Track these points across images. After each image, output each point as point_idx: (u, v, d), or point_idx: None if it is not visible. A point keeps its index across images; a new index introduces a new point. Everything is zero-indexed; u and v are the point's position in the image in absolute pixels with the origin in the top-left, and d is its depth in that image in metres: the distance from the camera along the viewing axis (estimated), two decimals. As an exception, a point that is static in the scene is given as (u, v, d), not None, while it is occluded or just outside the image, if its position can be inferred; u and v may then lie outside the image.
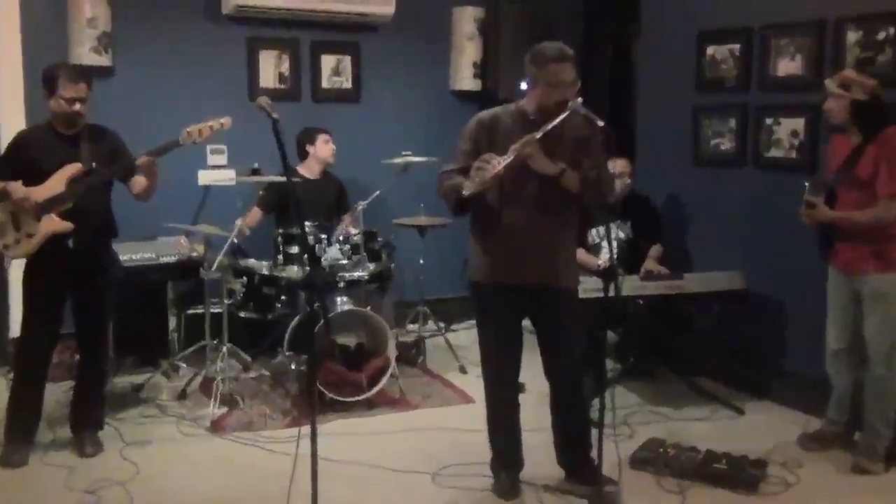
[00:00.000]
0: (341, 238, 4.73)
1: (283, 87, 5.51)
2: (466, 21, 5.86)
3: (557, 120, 3.08)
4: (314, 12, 5.37)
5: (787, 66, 4.51)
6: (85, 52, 4.92)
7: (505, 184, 3.17)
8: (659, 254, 4.85)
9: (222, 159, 5.40)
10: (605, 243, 4.75)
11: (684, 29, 5.06)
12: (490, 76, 5.86)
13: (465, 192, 3.06)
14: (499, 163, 3.04)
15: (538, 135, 3.08)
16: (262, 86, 5.43)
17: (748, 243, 4.77)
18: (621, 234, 4.85)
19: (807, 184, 3.64)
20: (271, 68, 5.48)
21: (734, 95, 4.82)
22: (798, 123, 4.49)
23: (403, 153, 4.96)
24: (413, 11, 5.77)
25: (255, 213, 5.01)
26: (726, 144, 4.88)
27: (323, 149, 5.15)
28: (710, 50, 4.92)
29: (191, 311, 4.99)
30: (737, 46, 4.78)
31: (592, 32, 6.18)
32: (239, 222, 4.44)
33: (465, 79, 5.88)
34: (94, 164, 3.60)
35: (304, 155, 5.17)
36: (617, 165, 4.70)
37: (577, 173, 3.17)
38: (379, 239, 4.80)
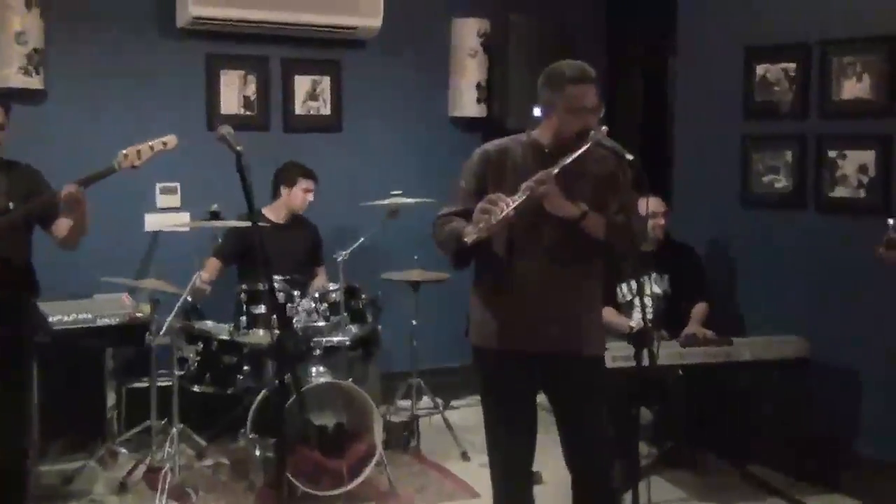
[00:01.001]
0: (317, 295, 4.73)
1: (248, 113, 5.58)
2: (469, 35, 5.95)
3: (578, 153, 3.11)
4: (286, 25, 5.45)
5: (853, 88, 4.58)
6: (12, 74, 4.95)
7: (515, 230, 3.19)
8: (703, 314, 4.86)
9: (174, 200, 5.43)
10: (637, 301, 4.76)
11: (729, 45, 5.15)
12: (497, 101, 5.94)
13: (468, 240, 3.07)
14: (508, 204, 3.05)
15: (555, 170, 3.10)
16: (224, 112, 5.50)
17: (811, 301, 4.78)
18: (657, 290, 4.86)
19: (890, 221, 3.65)
20: (235, 91, 5.55)
21: (790, 124, 4.88)
22: (867, 157, 4.54)
23: (393, 193, 5.00)
24: (405, 24, 5.87)
25: (213, 265, 5.01)
26: (781, 182, 4.93)
27: (298, 197, 5.16)
28: (759, 69, 5.00)
29: (134, 385, 4.97)
30: (792, 65, 4.86)
31: (619, 49, 6.29)
32: (195, 278, 4.45)
33: (468, 104, 5.96)
34: (10, 203, 3.60)
35: (276, 194, 5.22)
36: (649, 205, 4.73)
37: (602, 216, 3.19)
38: (363, 296, 4.81)
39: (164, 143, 3.68)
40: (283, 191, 5.17)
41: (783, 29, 4.91)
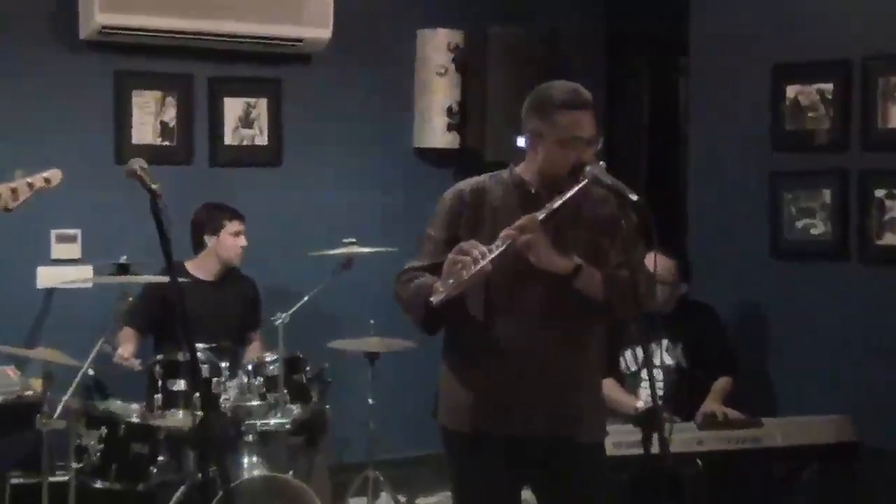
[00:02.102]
0: (251, 368, 4.71)
1: (166, 143, 5.59)
2: (438, 49, 6.00)
3: (570, 193, 3.15)
4: (214, 36, 5.47)
5: (903, 114, 4.69)
6: None
7: (494, 287, 3.21)
8: (726, 389, 4.88)
9: (73, 250, 5.41)
10: (644, 373, 4.78)
11: (753, 62, 5.24)
12: (472, 129, 5.98)
13: (435, 300, 3.09)
14: (484, 255, 3.08)
15: (542, 215, 3.14)
16: (137, 142, 5.50)
17: (857, 372, 4.81)
18: (669, 361, 4.88)
19: None
20: (150, 116, 5.56)
21: (828, 156, 4.96)
22: (921, 196, 4.65)
23: (345, 241, 5.01)
24: (360, 35, 5.91)
25: (129, 336, 4.99)
26: (818, 228, 4.99)
27: (228, 244, 5.17)
28: (790, 91, 5.08)
29: (20, 481, 4.90)
30: (829, 86, 4.94)
31: (621, 67, 6.36)
32: (113, 349, 4.43)
33: (436, 132, 5.99)
34: None
35: (199, 246, 5.23)
36: (659, 267, 4.75)
37: (600, 271, 3.22)
38: (307, 369, 4.79)
39: (46, 180, 3.65)
40: (208, 241, 5.17)
41: (819, 43, 4.99)
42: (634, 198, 3.07)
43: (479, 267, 3.05)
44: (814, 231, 5.01)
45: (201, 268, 5.19)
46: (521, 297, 3.22)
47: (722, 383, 4.89)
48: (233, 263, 5.21)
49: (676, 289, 4.91)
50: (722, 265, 5.32)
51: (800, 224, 5.05)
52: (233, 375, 4.64)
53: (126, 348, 4.83)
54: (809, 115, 5.01)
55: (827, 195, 4.95)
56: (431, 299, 3.07)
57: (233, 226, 5.16)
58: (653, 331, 4.67)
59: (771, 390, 5.15)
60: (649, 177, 6.16)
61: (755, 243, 5.21)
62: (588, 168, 3.15)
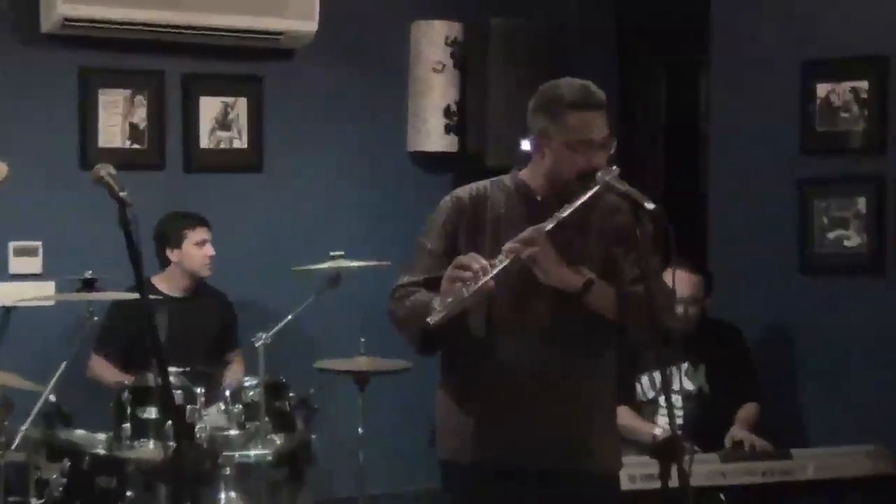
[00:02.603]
0: (228, 394, 4.71)
1: (136, 147, 5.60)
2: (434, 43, 6.01)
3: (581, 201, 3.16)
4: (188, 29, 5.47)
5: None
6: None
7: (498, 305, 3.22)
8: (753, 417, 4.88)
9: (34, 264, 5.41)
10: (662, 400, 4.78)
11: (781, 58, 5.25)
12: (472, 131, 6.00)
13: (433, 320, 3.09)
14: (486, 270, 3.09)
15: (549, 226, 3.15)
16: (104, 145, 5.51)
17: (895, 399, 4.83)
18: (690, 386, 4.89)
19: None
20: (118, 117, 5.57)
21: (862, 161, 4.98)
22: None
23: (333, 255, 5.02)
24: (348, 28, 5.93)
25: (102, 367, 5.03)
26: (852, 239, 5.00)
27: (193, 255, 5.17)
28: (821, 90, 5.09)
29: (-26, 518, 4.90)
30: (864, 84, 4.96)
31: (636, 63, 6.38)
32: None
33: (433, 134, 6.01)
34: None
35: (164, 261, 5.23)
36: (684, 281, 4.76)
37: (613, 287, 3.24)
38: (291, 395, 4.80)
39: None
40: (171, 255, 5.18)
41: (852, 37, 5.01)
42: (650, 206, 3.08)
43: (480, 283, 3.06)
44: (847, 243, 5.02)
45: (169, 284, 5.20)
46: (526, 316, 3.24)
47: (748, 410, 4.89)
48: (201, 275, 5.21)
49: (702, 308, 4.91)
50: (746, 281, 5.32)
51: (832, 235, 5.06)
52: (209, 402, 4.64)
53: (111, 377, 4.86)
54: (842, 115, 5.02)
55: (861, 203, 4.96)
56: (428, 319, 3.08)
57: (196, 234, 5.16)
58: (672, 353, 4.69)
59: (801, 418, 5.15)
60: (667, 183, 6.17)
61: (782, 257, 5.22)
62: (600, 174, 3.16)
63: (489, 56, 5.93)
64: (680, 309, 4.76)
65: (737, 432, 4.76)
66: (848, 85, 5.00)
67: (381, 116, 6.07)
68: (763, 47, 5.35)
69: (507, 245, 3.13)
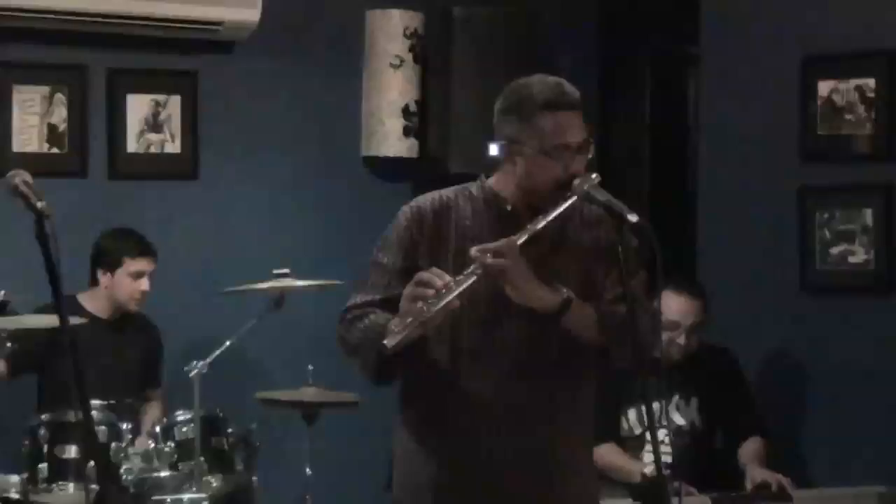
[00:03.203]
0: (158, 430, 4.69)
1: (55, 151, 5.58)
2: (391, 35, 6.00)
3: (556, 212, 3.16)
4: (115, 19, 5.45)
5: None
6: None
7: (464, 327, 3.22)
8: (762, 452, 4.87)
9: (-62, 284, 5.38)
10: (649, 436, 4.78)
11: (778, 53, 5.28)
12: (434, 133, 6.01)
13: (390, 343, 3.07)
14: (450, 287, 3.08)
15: (521, 238, 3.14)
16: (18, 149, 5.51)
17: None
18: (680, 420, 4.90)
19: None
20: (34, 118, 5.56)
21: (869, 168, 5.01)
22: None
23: (276, 273, 5.01)
24: (295, 18, 5.94)
25: None
26: (858, 255, 5.03)
27: (124, 286, 5.13)
28: (823, 88, 5.12)
29: None
30: (870, 81, 4.99)
31: (618, 58, 6.39)
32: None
33: (390, 137, 5.99)
34: None
35: (94, 280, 5.22)
36: (671, 307, 4.77)
37: (593, 307, 3.24)
38: (229, 431, 4.79)
39: None
40: (102, 278, 5.15)
41: (858, 31, 5.04)
42: (634, 218, 3.09)
43: (444, 302, 3.04)
44: (853, 259, 5.04)
45: (95, 303, 5.17)
46: (495, 340, 3.23)
47: (755, 446, 4.92)
48: (127, 309, 5.17)
49: (699, 335, 4.93)
50: (740, 301, 5.35)
51: (836, 251, 5.09)
52: (135, 438, 4.61)
53: None
54: (846, 117, 5.05)
55: (868, 215, 4.99)
56: (385, 342, 3.07)
57: (134, 264, 5.11)
58: (660, 384, 4.71)
59: (803, 455, 5.17)
60: (652, 192, 6.19)
61: (781, 274, 5.25)
62: (577, 182, 3.16)
63: (453, 49, 5.93)
64: (682, 339, 4.78)
65: (755, 472, 4.76)
66: (853, 83, 5.04)
67: (331, 117, 6.07)
68: (759, 40, 5.38)
69: (473, 249, 3.12)
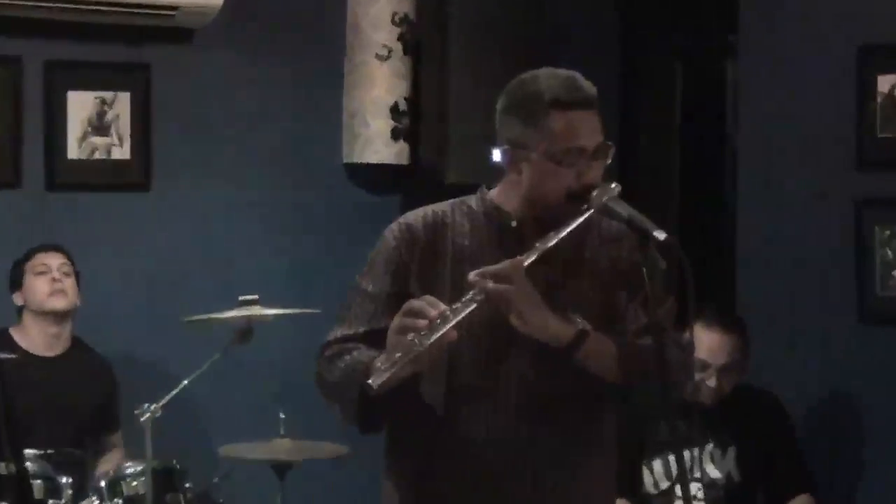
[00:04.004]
0: (104, 484, 4.69)
1: (-16, 157, 5.61)
2: (377, 23, 6.02)
3: (569, 228, 3.17)
4: (53, 3, 5.45)
5: None
6: None
7: (462, 363, 3.23)
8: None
9: None
10: (679, 490, 4.78)
11: (831, 43, 5.28)
12: (427, 136, 6.02)
13: (376, 383, 3.07)
14: (446, 317, 3.09)
15: (529, 259, 3.16)
16: (-60, 156, 5.52)
17: None
18: (715, 474, 4.89)
19: None
20: (-41, 119, 5.58)
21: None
22: None
23: (243, 300, 5.02)
24: (264, 2, 5.97)
25: None
26: (927, 280, 5.05)
27: (32, 288, 5.18)
28: (884, 83, 5.11)
29: None
30: (939, 77, 5.03)
31: (642, 50, 6.40)
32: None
33: (376, 142, 6.01)
34: None
35: (19, 309, 5.26)
36: (714, 342, 4.79)
37: (613, 340, 3.25)
38: (188, 486, 4.79)
39: None
40: (17, 299, 5.22)
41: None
42: (661, 235, 3.08)
43: (438, 334, 3.05)
44: (921, 285, 5.07)
45: (28, 338, 5.19)
46: (499, 379, 3.24)
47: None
48: (48, 308, 5.18)
49: (739, 376, 4.93)
50: (786, 335, 5.35)
51: (899, 274, 5.11)
52: (79, 496, 4.62)
53: None
54: (912, 117, 5.08)
55: (937, 233, 5.03)
56: (370, 382, 3.07)
57: (33, 264, 5.18)
58: (691, 431, 4.73)
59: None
60: (683, 205, 6.19)
61: (835, 301, 5.25)
62: (595, 193, 3.18)
63: (449, 39, 5.93)
64: (712, 382, 4.78)
65: None
66: (919, 77, 5.08)
67: (307, 118, 6.09)
68: (808, 28, 5.37)
69: (472, 274, 3.12)
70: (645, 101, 6.42)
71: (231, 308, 5.00)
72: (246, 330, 4.96)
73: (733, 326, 4.90)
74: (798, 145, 5.39)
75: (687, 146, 6.37)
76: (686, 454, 4.59)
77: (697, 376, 4.70)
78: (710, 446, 4.91)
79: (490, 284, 3.10)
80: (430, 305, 3.11)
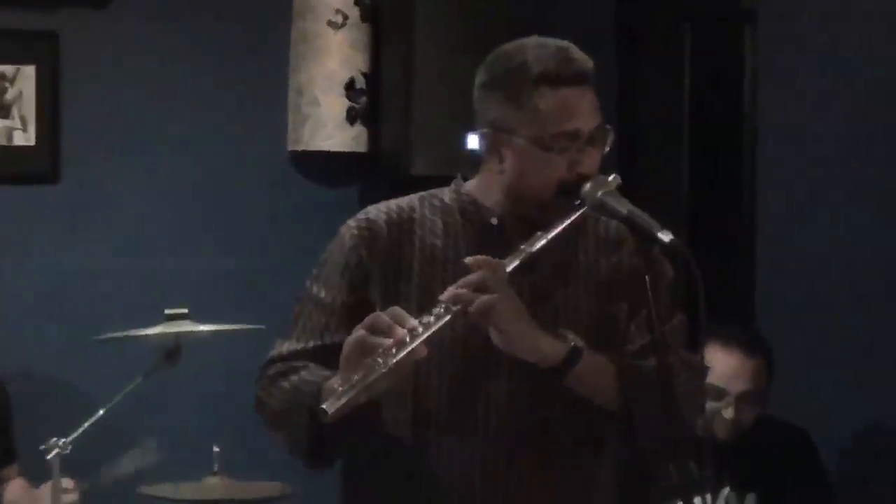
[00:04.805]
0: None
1: None
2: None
3: (559, 228, 3.19)
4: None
5: None
6: None
7: (434, 387, 3.26)
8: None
9: None
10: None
11: (876, 10, 5.30)
12: (390, 119, 6.04)
13: (331, 408, 3.05)
14: (415, 332, 3.08)
15: (512, 263, 3.17)
16: None
17: None
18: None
19: None
20: None
21: None
22: None
23: (170, 314, 5.02)
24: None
25: None
26: None
27: None
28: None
29: None
30: None
31: (644, 16, 6.42)
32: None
33: (329, 125, 6.03)
34: None
35: None
36: (716, 363, 4.78)
37: (611, 360, 3.27)
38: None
39: None
40: None
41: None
42: (667, 237, 3.10)
43: (405, 353, 3.04)
44: None
45: None
46: (475, 404, 3.26)
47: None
48: None
49: (761, 407, 4.96)
50: (818, 360, 5.38)
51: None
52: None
53: None
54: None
55: None
56: (323, 407, 3.06)
57: None
58: (706, 473, 4.76)
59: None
60: (694, 199, 6.21)
61: (878, 323, 5.26)
62: (589, 186, 3.20)
63: (416, 2, 5.94)
64: (729, 413, 4.80)
65: None
66: None
67: (245, 98, 6.12)
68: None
69: (448, 292, 3.12)
70: (648, 76, 6.45)
71: (155, 323, 5.02)
72: (173, 349, 4.97)
73: (755, 347, 4.91)
74: (832, 129, 5.42)
75: (698, 130, 6.36)
76: (697, 501, 4.62)
77: (712, 406, 4.72)
78: (725, 491, 4.93)
79: (467, 293, 3.10)
80: (395, 318, 3.10)
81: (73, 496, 4.74)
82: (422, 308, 3.16)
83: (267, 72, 6.08)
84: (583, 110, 3.25)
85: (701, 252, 3.12)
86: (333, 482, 3.44)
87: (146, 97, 5.97)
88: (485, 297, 3.11)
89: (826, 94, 5.44)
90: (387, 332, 3.07)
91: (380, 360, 3.04)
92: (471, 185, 3.40)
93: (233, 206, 6.06)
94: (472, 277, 3.14)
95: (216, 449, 5.02)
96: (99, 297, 5.69)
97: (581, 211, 3.21)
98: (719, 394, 4.78)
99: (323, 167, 6.11)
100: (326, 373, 3.20)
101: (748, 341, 4.91)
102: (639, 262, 3.21)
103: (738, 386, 4.82)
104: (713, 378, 4.62)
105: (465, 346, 3.22)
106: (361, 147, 6.05)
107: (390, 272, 3.33)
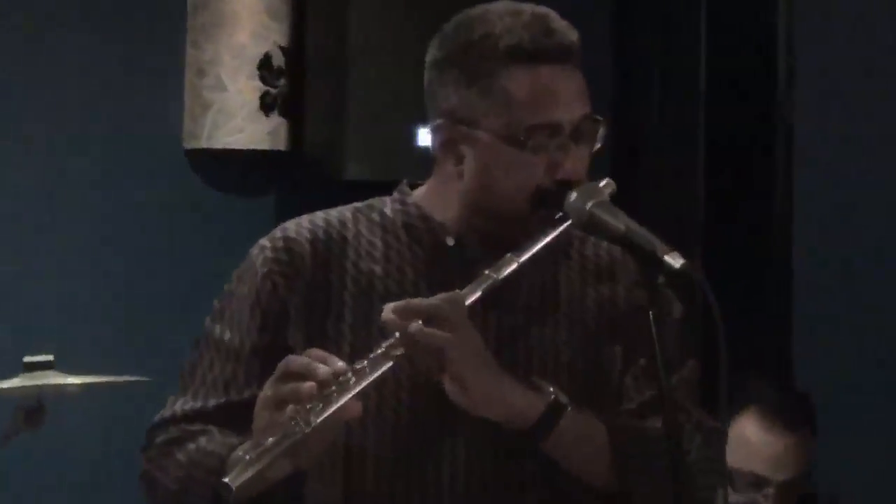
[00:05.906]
0: None
1: None
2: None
3: (536, 248, 3.20)
4: None
5: None
6: None
7: (370, 456, 3.26)
8: None
9: None
10: None
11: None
12: (315, 111, 6.09)
13: (235, 483, 3.04)
14: (347, 382, 3.08)
15: (473, 295, 3.16)
16: None
17: None
18: None
19: None
20: None
21: None
22: None
23: (29, 361, 5.03)
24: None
25: None
26: None
27: None
28: None
29: None
30: None
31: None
32: None
33: (237, 116, 6.07)
34: None
35: None
36: (753, 442, 4.79)
37: (601, 421, 3.27)
38: None
39: None
40: None
41: None
42: (677, 262, 3.09)
43: (331, 409, 3.04)
44: None
45: None
46: (427, 480, 3.27)
47: None
48: None
49: (804, 489, 4.99)
50: (866, 417, 5.44)
51: None
52: None
53: None
54: None
55: None
56: (226, 481, 3.05)
57: None
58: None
59: None
60: (710, 213, 6.24)
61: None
62: (574, 195, 3.20)
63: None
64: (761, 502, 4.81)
65: None
66: None
67: (130, 80, 6.16)
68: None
69: (388, 310, 3.10)
70: (653, 53, 6.47)
71: (13, 374, 5.02)
72: (35, 408, 4.97)
73: (801, 419, 4.91)
74: (882, 119, 5.46)
75: (716, 124, 6.40)
76: None
77: (747, 497, 4.76)
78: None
79: (415, 330, 3.08)
80: (320, 364, 3.06)
81: None
82: (355, 353, 3.15)
83: (158, 48, 6.11)
84: (566, 96, 3.26)
85: (720, 280, 3.12)
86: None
87: (8, 80, 6.00)
88: (436, 333, 3.08)
89: (877, 74, 5.56)
90: (304, 375, 3.04)
91: (298, 421, 3.01)
92: (420, 195, 3.41)
93: (114, 221, 6.06)
94: (421, 304, 3.12)
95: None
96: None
97: (563, 227, 3.20)
98: (759, 482, 4.78)
99: (229, 169, 6.13)
100: (233, 440, 3.20)
101: (792, 413, 4.89)
102: (639, 295, 3.22)
103: (782, 473, 4.82)
104: (751, 462, 4.64)
105: (413, 403, 3.23)
106: (279, 144, 6.11)
107: (315, 307, 3.32)
